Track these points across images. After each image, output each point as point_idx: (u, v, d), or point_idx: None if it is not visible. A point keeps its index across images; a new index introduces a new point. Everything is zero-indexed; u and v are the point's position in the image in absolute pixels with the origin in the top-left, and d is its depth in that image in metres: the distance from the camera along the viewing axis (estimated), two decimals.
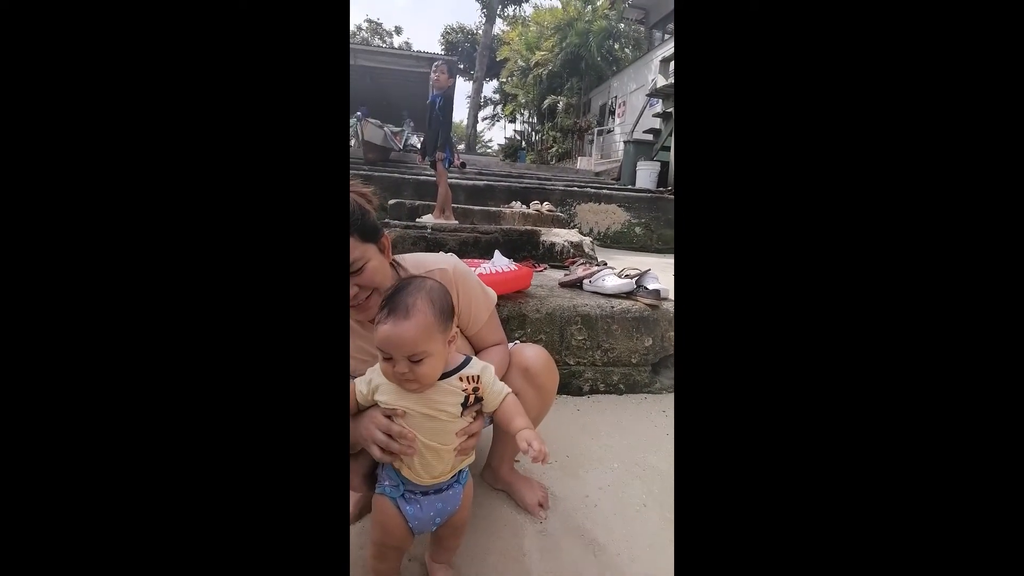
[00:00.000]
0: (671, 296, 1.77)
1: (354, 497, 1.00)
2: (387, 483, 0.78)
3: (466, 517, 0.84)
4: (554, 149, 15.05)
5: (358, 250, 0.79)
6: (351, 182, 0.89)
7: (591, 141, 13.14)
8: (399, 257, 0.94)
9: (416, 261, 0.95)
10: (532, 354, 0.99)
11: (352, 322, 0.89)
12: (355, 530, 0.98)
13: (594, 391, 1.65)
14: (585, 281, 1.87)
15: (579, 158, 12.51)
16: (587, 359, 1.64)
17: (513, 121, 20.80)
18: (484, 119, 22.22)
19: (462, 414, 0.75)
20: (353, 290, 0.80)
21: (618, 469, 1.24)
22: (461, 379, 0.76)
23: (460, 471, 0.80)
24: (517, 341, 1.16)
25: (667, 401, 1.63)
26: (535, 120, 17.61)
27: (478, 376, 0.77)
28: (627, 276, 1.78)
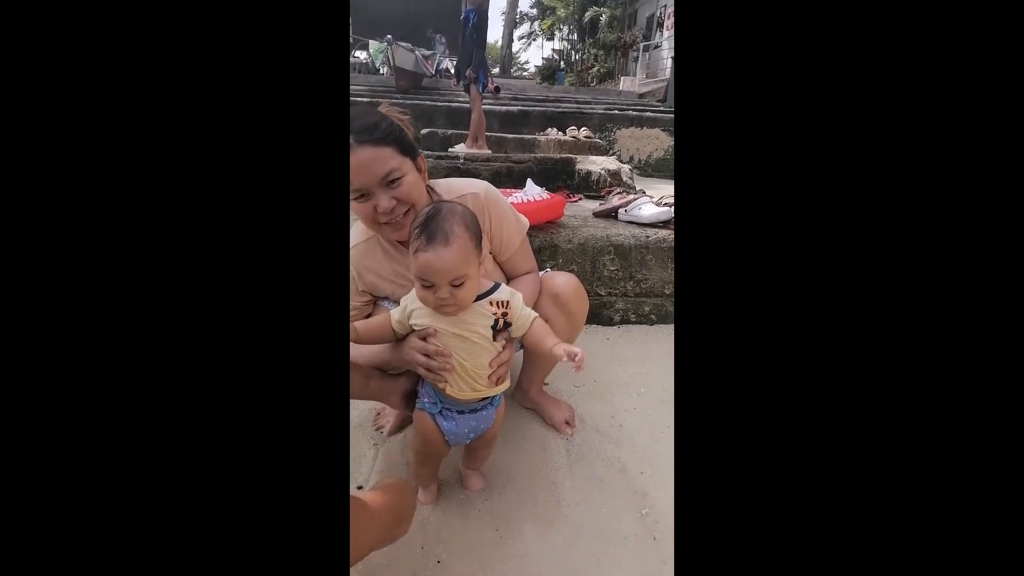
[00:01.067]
0: None
1: (394, 412, 1.09)
2: (426, 400, 0.84)
3: (496, 432, 0.90)
4: (595, 69, 13.94)
5: (396, 160, 0.78)
6: (390, 106, 0.87)
7: (636, 58, 12.05)
8: (431, 182, 0.93)
9: (448, 186, 0.94)
10: (563, 281, 1.00)
11: (386, 244, 0.92)
12: (396, 439, 1.09)
13: (625, 321, 1.66)
14: (621, 211, 1.81)
15: (622, 78, 11.58)
16: (619, 290, 1.63)
17: (551, 39, 19.26)
18: (520, 38, 20.69)
19: (494, 339, 0.78)
20: (390, 203, 0.79)
21: (644, 394, 1.28)
22: (491, 303, 0.78)
23: (494, 396, 0.85)
24: (548, 269, 1.16)
25: None
26: (575, 37, 16.21)
27: (507, 301, 0.79)
28: (665, 204, 1.71)
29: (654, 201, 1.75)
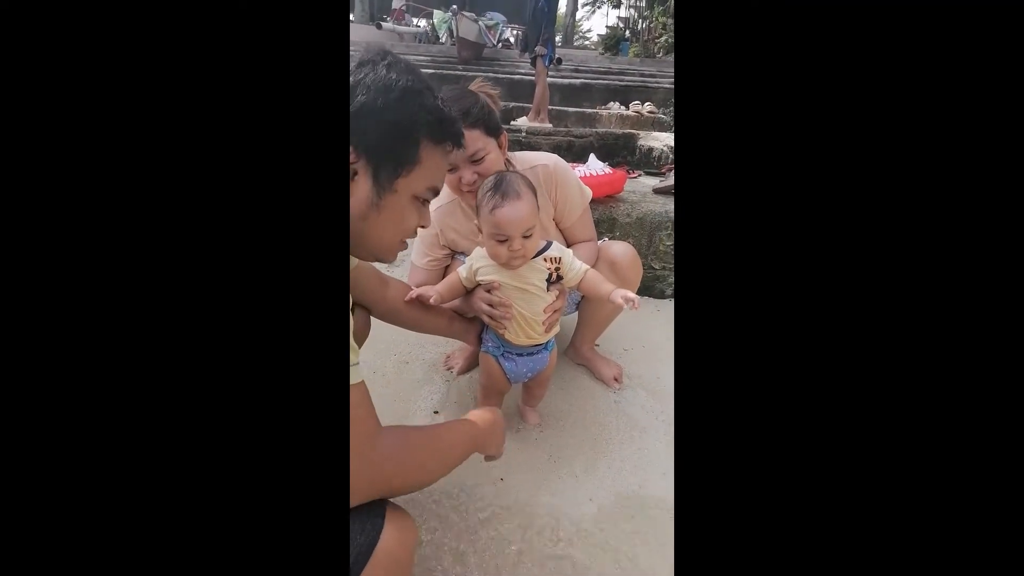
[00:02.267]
0: None
1: (467, 351, 1.26)
2: (490, 344, 0.99)
3: (550, 373, 1.04)
4: (663, 39, 13.23)
5: (481, 141, 0.91)
6: (482, 82, 0.99)
7: None
8: (510, 154, 1.05)
9: (523, 157, 1.07)
10: (620, 250, 1.10)
11: (466, 207, 1.05)
12: (465, 378, 1.25)
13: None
14: None
15: None
16: (672, 264, 1.70)
17: (617, 7, 18.37)
18: (584, 5, 19.88)
19: (548, 290, 0.91)
20: (472, 176, 0.92)
21: None
22: (545, 259, 0.90)
23: (548, 341, 0.98)
24: (606, 238, 1.26)
25: None
26: (643, 4, 15.39)
27: (559, 257, 0.91)
28: None
29: None
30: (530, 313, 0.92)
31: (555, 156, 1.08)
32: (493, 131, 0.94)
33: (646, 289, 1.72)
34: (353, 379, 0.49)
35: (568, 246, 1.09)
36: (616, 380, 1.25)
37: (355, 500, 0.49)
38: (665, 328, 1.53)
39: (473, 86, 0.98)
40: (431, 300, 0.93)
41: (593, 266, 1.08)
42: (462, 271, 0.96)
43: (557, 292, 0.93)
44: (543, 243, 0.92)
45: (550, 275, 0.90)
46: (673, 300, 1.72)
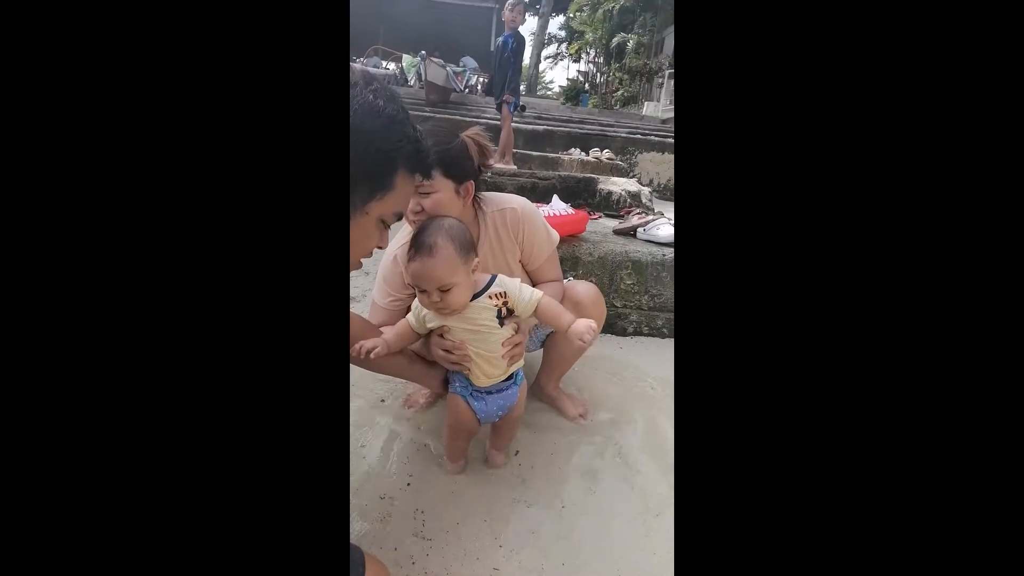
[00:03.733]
0: None
1: (425, 393, 1.22)
2: (458, 384, 0.96)
3: (521, 412, 1.02)
4: (619, 92, 14.22)
5: (437, 180, 0.91)
6: (478, 131, 1.00)
7: (660, 85, 12.27)
8: (481, 195, 1.06)
9: (493, 199, 1.08)
10: (583, 289, 1.12)
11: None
12: (427, 415, 1.21)
13: (638, 333, 1.77)
14: (639, 229, 1.94)
15: (646, 103, 11.81)
16: (634, 303, 1.74)
17: (578, 61, 19.68)
18: (547, 58, 21.14)
19: (501, 325, 0.89)
20: (417, 207, 0.92)
21: (653, 396, 1.38)
22: (490, 296, 0.88)
23: (515, 373, 0.97)
24: (571, 278, 1.28)
25: None
26: (601, 60, 16.57)
27: (503, 292, 0.89)
28: None
29: (671, 222, 1.87)
30: (487, 351, 0.90)
31: (524, 199, 1.10)
32: (454, 175, 0.94)
33: (608, 327, 1.75)
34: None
35: (534, 285, 1.10)
36: (582, 417, 1.24)
37: None
38: (628, 367, 1.55)
39: (470, 132, 0.99)
40: (375, 352, 0.88)
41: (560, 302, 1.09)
42: (410, 317, 0.94)
43: (514, 325, 0.92)
44: (487, 278, 0.90)
45: (499, 311, 0.88)
46: (635, 338, 1.76)
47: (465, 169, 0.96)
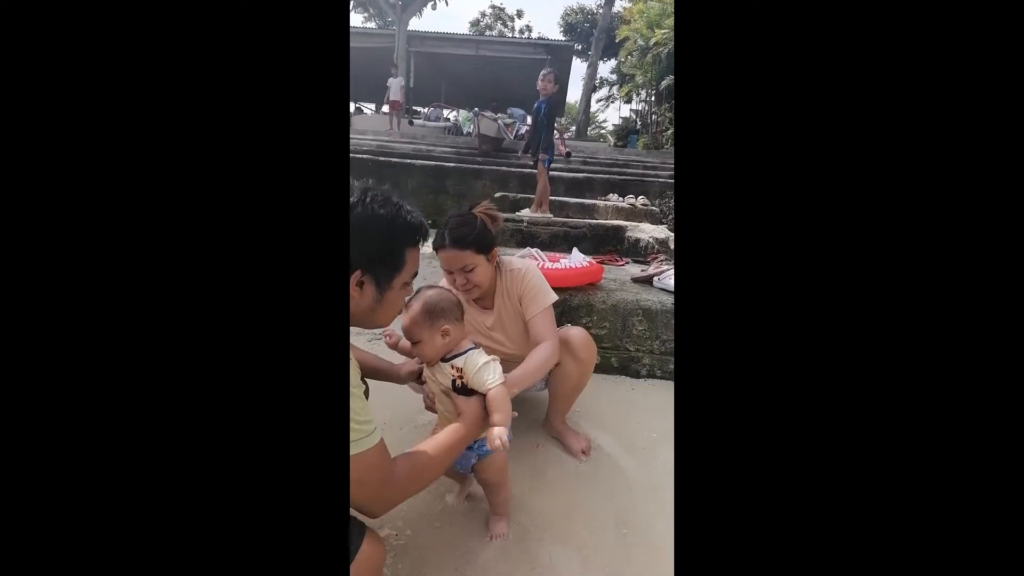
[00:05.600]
0: None
1: None
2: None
3: (501, 468, 1.07)
4: (669, 132, 14.35)
5: (471, 258, 1.19)
6: (484, 202, 1.28)
7: None
8: (501, 258, 1.32)
9: (509, 262, 1.34)
10: (574, 333, 1.31)
11: (463, 299, 1.28)
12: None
13: (651, 376, 1.90)
14: (655, 278, 2.09)
15: None
16: (646, 347, 1.88)
17: (629, 102, 20.15)
18: (599, 100, 21.81)
19: (460, 393, 0.95)
20: (464, 280, 1.21)
21: (656, 439, 1.51)
22: (452, 366, 0.97)
23: (476, 440, 0.98)
24: (568, 324, 1.47)
25: None
26: (652, 99, 16.86)
27: (460, 368, 0.96)
28: None
29: None
30: (445, 410, 1.01)
31: (531, 265, 1.35)
32: (483, 249, 1.22)
33: (623, 369, 1.89)
34: (374, 440, 0.69)
35: (532, 339, 1.27)
36: (584, 453, 1.39)
37: (383, 511, 0.74)
38: (636, 407, 1.68)
39: (478, 209, 1.26)
40: (392, 341, 1.15)
41: (554, 364, 1.25)
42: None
43: (462, 399, 0.96)
44: (466, 346, 0.99)
45: (454, 381, 0.96)
46: (648, 380, 1.88)
47: (489, 241, 1.24)
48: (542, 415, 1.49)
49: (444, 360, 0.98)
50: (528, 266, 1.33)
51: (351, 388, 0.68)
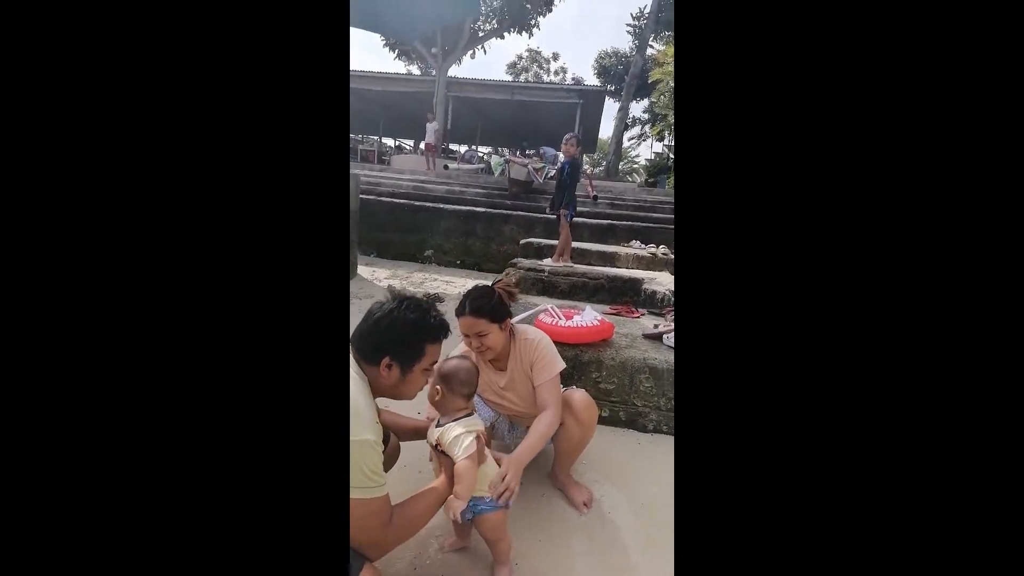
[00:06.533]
0: None
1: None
2: None
3: (499, 525, 1.16)
4: None
5: (484, 325, 1.36)
6: (506, 280, 1.48)
7: None
8: (516, 326, 1.50)
9: (520, 329, 1.51)
10: (577, 396, 1.46)
11: (479, 361, 1.47)
12: None
13: (657, 431, 2.00)
14: (665, 335, 2.21)
15: None
16: (652, 404, 1.99)
17: (661, 139, 20.44)
18: (631, 139, 22.21)
19: (430, 458, 1.15)
20: (478, 343, 1.38)
21: (656, 493, 1.61)
22: (433, 431, 1.13)
23: (472, 502, 1.08)
24: (574, 387, 1.62)
25: None
26: None
27: (439, 436, 1.11)
28: None
29: None
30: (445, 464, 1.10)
31: (542, 334, 1.51)
32: (498, 318, 1.40)
33: (631, 423, 2.00)
34: (382, 492, 0.88)
35: (540, 405, 1.42)
36: (586, 505, 1.51)
37: (379, 555, 0.90)
38: (641, 460, 1.79)
39: (499, 284, 1.48)
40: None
41: (553, 428, 1.37)
42: None
43: (444, 461, 1.09)
44: (462, 415, 1.13)
45: (436, 444, 1.12)
46: (654, 435, 1.99)
47: (503, 313, 1.42)
48: (549, 466, 1.62)
49: (437, 426, 1.14)
50: (541, 337, 1.50)
51: (372, 442, 0.87)
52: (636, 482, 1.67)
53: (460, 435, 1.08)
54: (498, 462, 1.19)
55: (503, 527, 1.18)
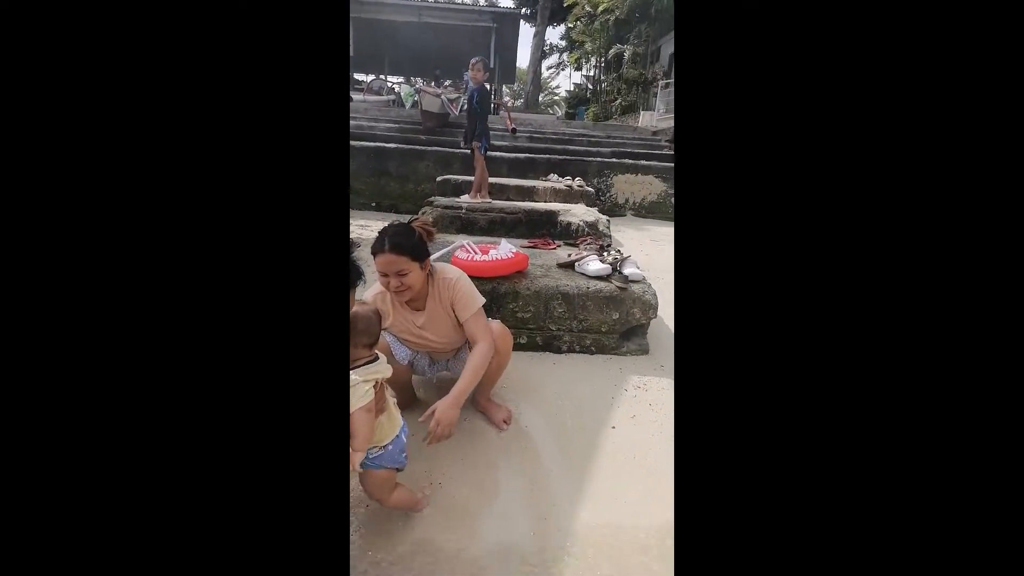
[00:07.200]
0: (640, 279, 2.19)
1: None
2: None
3: (378, 485, 1.14)
4: (618, 101, 14.58)
5: (405, 263, 1.34)
6: (422, 217, 1.43)
7: (655, 94, 12.59)
8: (432, 265, 1.49)
9: (439, 268, 1.51)
10: (494, 327, 1.53)
11: (393, 300, 1.47)
12: None
13: (571, 351, 2.16)
14: (576, 263, 2.32)
15: (642, 113, 12.13)
16: (565, 327, 2.13)
17: (579, 69, 20.10)
18: (549, 68, 21.59)
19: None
20: (396, 283, 1.36)
21: (568, 405, 1.77)
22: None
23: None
24: (488, 319, 1.68)
25: (626, 361, 2.10)
26: (602, 68, 16.95)
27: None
28: (607, 262, 2.21)
29: (599, 258, 2.25)
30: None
31: (460, 272, 1.53)
32: (419, 257, 1.38)
33: (547, 346, 2.14)
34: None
35: (470, 339, 1.47)
36: (505, 422, 1.63)
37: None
38: (556, 378, 1.94)
39: (417, 223, 1.44)
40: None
41: (488, 360, 1.43)
42: None
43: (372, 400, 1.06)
44: (363, 361, 1.08)
45: None
46: (568, 355, 2.15)
47: (424, 251, 1.41)
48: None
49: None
50: (459, 275, 1.51)
51: None
52: (549, 398, 1.82)
53: (357, 384, 1.01)
54: (434, 411, 1.23)
55: (387, 488, 1.15)
